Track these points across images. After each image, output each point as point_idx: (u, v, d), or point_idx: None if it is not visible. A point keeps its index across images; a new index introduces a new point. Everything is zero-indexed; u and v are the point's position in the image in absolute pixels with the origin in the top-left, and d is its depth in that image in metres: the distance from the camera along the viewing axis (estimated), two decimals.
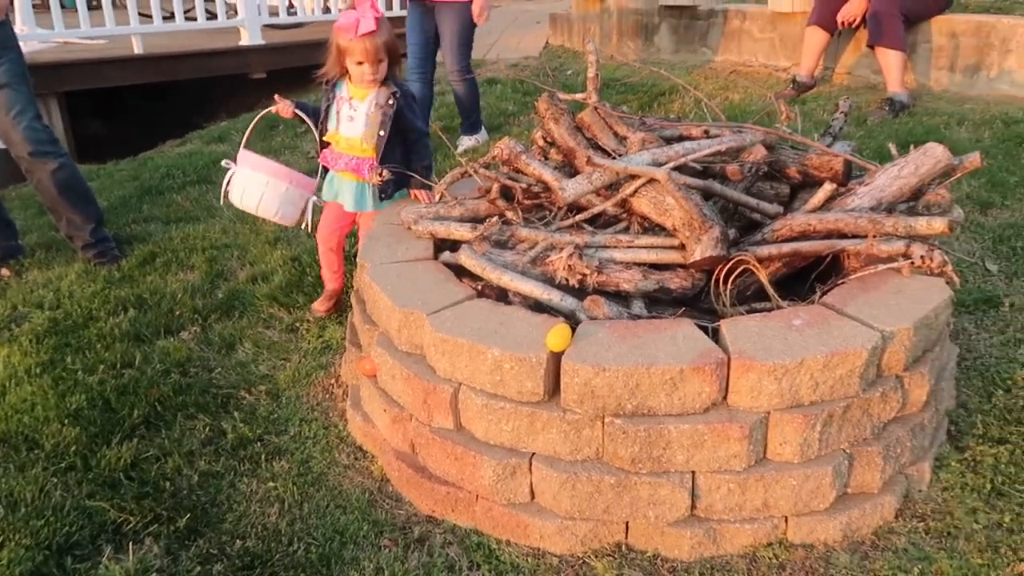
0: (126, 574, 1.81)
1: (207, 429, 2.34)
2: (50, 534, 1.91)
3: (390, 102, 2.60)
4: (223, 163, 2.78)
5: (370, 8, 2.47)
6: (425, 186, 2.68)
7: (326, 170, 2.76)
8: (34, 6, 6.03)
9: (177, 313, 3.00)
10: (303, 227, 2.79)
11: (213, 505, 2.06)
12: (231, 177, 2.73)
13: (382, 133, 2.60)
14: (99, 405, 2.42)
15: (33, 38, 6.05)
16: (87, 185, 3.53)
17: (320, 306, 2.94)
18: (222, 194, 2.78)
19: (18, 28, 5.77)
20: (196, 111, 6.86)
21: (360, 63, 2.51)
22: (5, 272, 3.46)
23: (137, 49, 6.34)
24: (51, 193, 3.34)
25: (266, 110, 2.73)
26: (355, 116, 2.61)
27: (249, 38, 6.96)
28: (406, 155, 2.70)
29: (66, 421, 2.33)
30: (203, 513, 2.02)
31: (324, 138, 2.68)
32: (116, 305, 3.07)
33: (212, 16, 6.93)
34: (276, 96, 2.70)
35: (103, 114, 7.51)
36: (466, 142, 4.79)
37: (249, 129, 2.79)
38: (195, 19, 6.74)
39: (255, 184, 2.68)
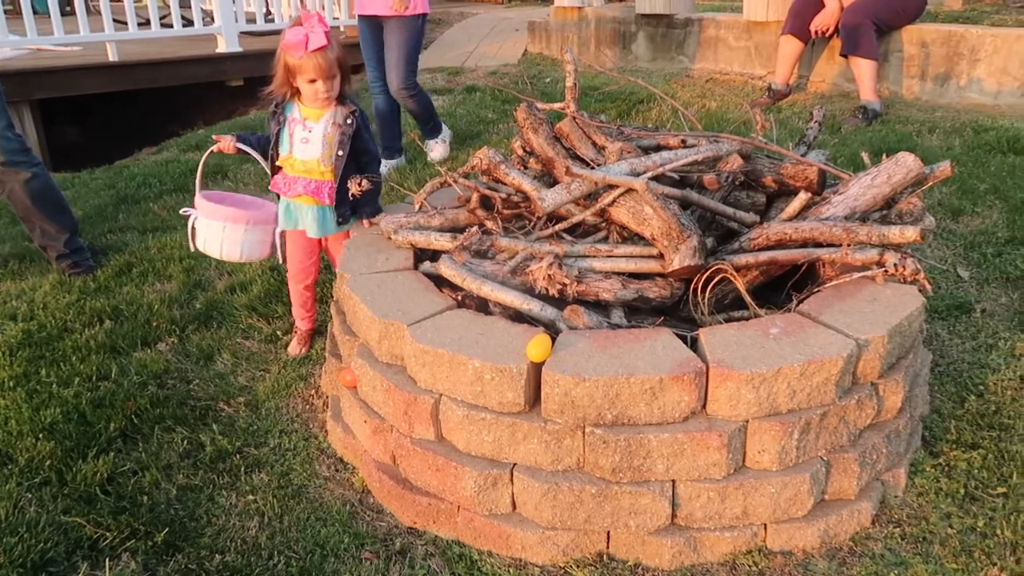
0: None
1: (185, 442, 2.32)
2: (24, 551, 1.88)
3: (348, 121, 2.47)
4: (182, 211, 2.74)
5: (318, 22, 2.32)
6: (377, 210, 2.61)
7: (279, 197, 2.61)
8: (5, 12, 5.95)
9: (154, 324, 2.97)
10: (279, 261, 2.70)
11: (192, 519, 2.04)
12: (192, 224, 2.66)
13: (340, 153, 2.47)
14: (74, 419, 2.39)
15: (5, 44, 5.98)
16: (61, 194, 3.49)
17: (295, 349, 2.78)
18: (189, 242, 2.70)
19: None
20: (173, 119, 6.80)
21: (313, 81, 2.36)
22: None
23: (112, 56, 6.28)
24: (24, 203, 3.29)
25: (208, 151, 2.66)
26: (310, 137, 2.46)
27: (226, 45, 6.93)
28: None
29: (40, 435, 2.30)
30: (181, 527, 2.00)
31: (277, 163, 2.53)
32: (91, 316, 3.03)
33: (188, 23, 6.89)
34: (214, 136, 2.62)
35: (78, 122, 7.42)
36: (434, 147, 4.76)
37: (199, 172, 2.71)
38: (171, 26, 6.69)
39: (213, 231, 2.61)
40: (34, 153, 3.39)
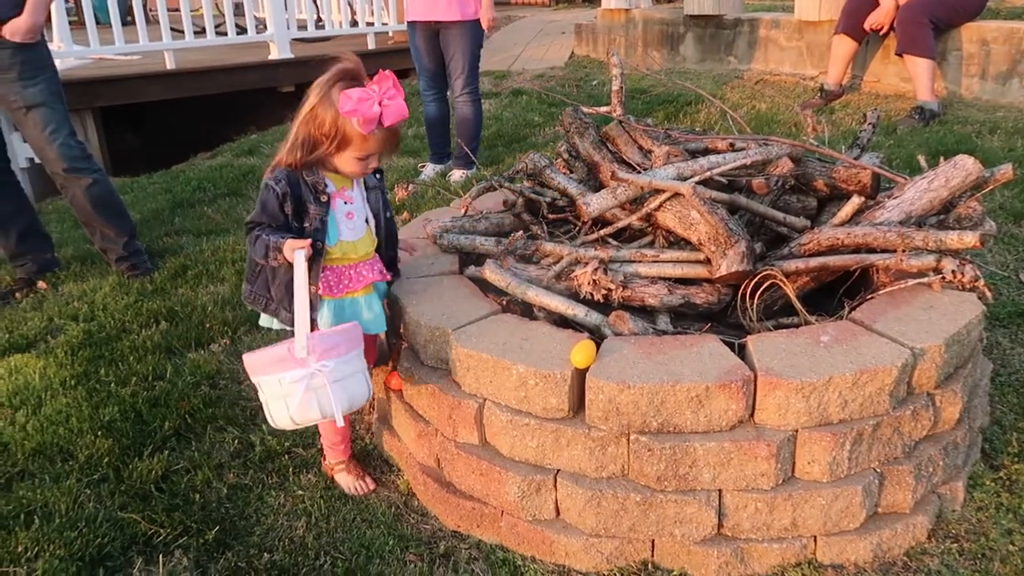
0: None
1: (236, 442, 2.37)
2: (83, 545, 1.95)
3: (379, 176, 2.05)
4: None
5: (393, 85, 1.79)
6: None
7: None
8: (70, 23, 6.18)
9: (207, 326, 3.04)
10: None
11: (241, 518, 2.08)
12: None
13: (389, 215, 2.08)
14: (131, 417, 2.46)
15: (69, 55, 6.20)
16: (120, 200, 3.60)
17: (359, 486, 2.17)
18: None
19: (55, 45, 5.92)
20: (228, 125, 6.97)
21: (365, 158, 1.88)
22: (42, 285, 3.54)
23: (169, 64, 6.46)
24: (85, 208, 3.41)
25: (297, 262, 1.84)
26: (354, 210, 1.97)
27: (278, 52, 7.07)
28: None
29: (99, 433, 2.38)
30: (232, 526, 2.05)
31: (323, 260, 1.92)
32: (148, 317, 3.12)
33: (242, 31, 7.06)
34: (291, 248, 1.81)
35: (137, 128, 7.66)
36: (457, 176, 4.53)
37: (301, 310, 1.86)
38: (225, 34, 6.86)
39: (272, 396, 1.86)
40: (95, 159, 3.51)
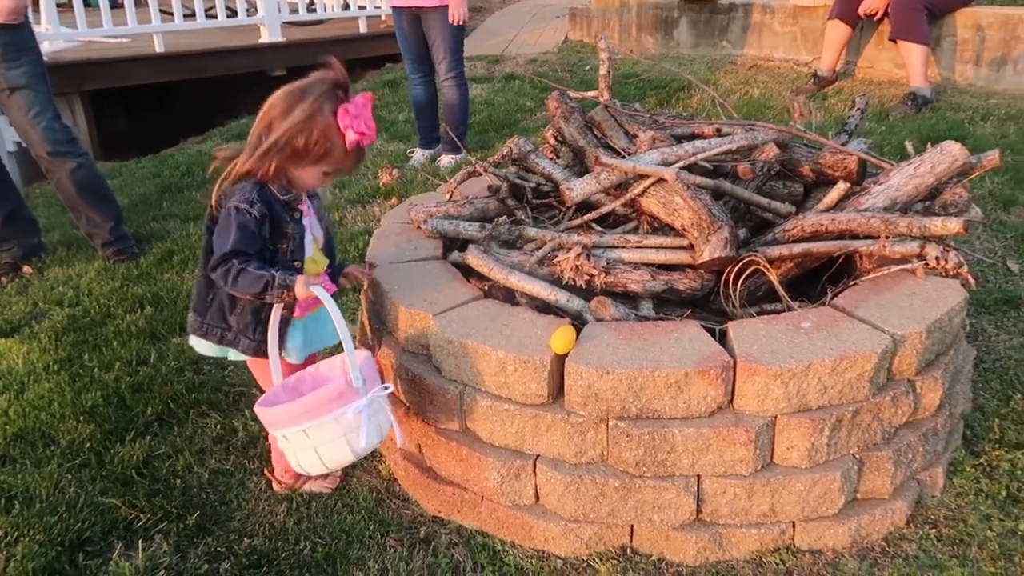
0: (136, 571, 1.83)
1: (218, 427, 2.36)
2: (63, 530, 1.94)
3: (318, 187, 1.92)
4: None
5: (370, 110, 1.75)
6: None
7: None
8: (58, 5, 6.12)
9: None
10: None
11: (222, 503, 2.07)
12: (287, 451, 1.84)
13: (326, 225, 1.97)
14: (114, 402, 2.45)
15: (57, 37, 6.14)
16: (106, 184, 3.58)
17: (324, 485, 2.12)
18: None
19: (43, 27, 5.86)
20: (218, 109, 6.92)
21: (333, 172, 1.79)
22: (27, 269, 3.52)
23: (159, 47, 6.41)
24: (70, 192, 3.39)
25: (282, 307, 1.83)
26: (309, 224, 1.87)
27: (269, 35, 7.01)
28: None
29: (82, 418, 2.37)
30: (212, 511, 2.04)
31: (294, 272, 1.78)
32: (133, 302, 3.11)
33: (232, 13, 7.00)
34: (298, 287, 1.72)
35: (127, 112, 7.60)
36: (445, 161, 4.54)
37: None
38: (215, 17, 6.80)
39: (327, 438, 1.76)
40: (80, 143, 3.48)
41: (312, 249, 1.87)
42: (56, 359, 2.70)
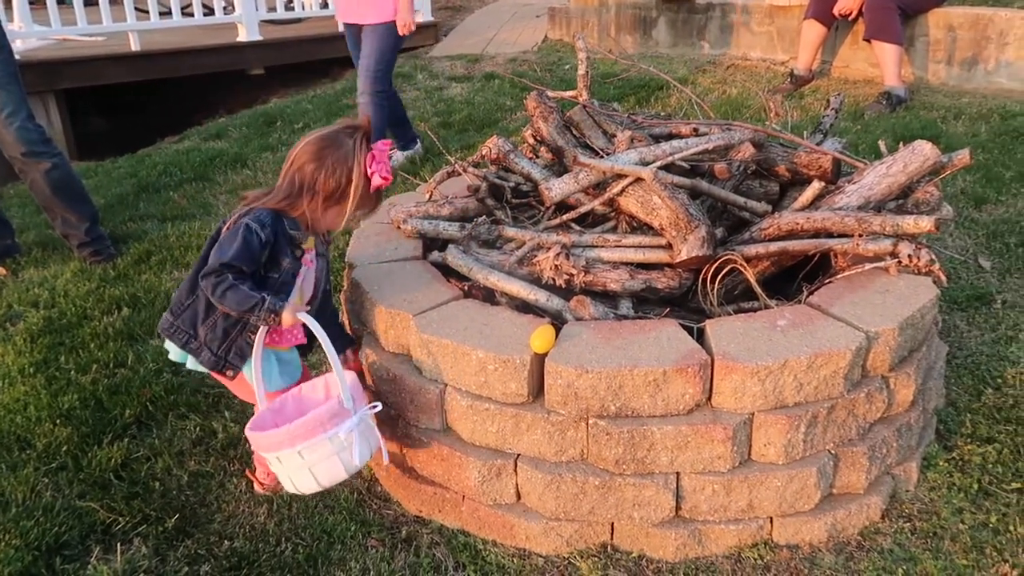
0: (115, 574, 1.82)
1: (198, 429, 2.35)
2: (40, 534, 1.92)
3: (326, 247, 2.02)
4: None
5: (388, 155, 1.87)
6: (350, 342, 2.15)
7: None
8: (31, 2, 6.03)
9: None
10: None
11: (202, 505, 2.07)
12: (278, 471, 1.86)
13: (326, 288, 2.05)
14: (91, 405, 2.43)
15: (31, 35, 6.05)
16: (81, 184, 3.54)
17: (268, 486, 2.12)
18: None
19: (15, 25, 5.78)
20: (196, 108, 6.86)
21: (355, 214, 1.87)
22: (2, 271, 3.48)
23: (134, 46, 6.33)
24: (45, 193, 3.35)
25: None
26: (307, 274, 1.93)
27: (247, 34, 6.96)
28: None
29: (58, 421, 2.35)
30: (192, 513, 2.03)
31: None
32: (110, 304, 3.08)
33: (209, 11, 6.93)
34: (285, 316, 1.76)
35: (104, 111, 7.52)
36: (398, 156, 4.60)
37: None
38: (192, 15, 6.73)
39: (320, 457, 1.79)
40: (55, 143, 3.44)
41: (295, 298, 1.87)
42: (32, 362, 2.67)
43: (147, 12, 6.45)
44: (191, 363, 1.92)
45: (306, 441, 1.75)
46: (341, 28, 4.61)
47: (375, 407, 1.86)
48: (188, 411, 2.42)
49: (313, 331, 1.76)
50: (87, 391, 2.49)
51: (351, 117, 1.76)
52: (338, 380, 1.80)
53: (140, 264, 3.45)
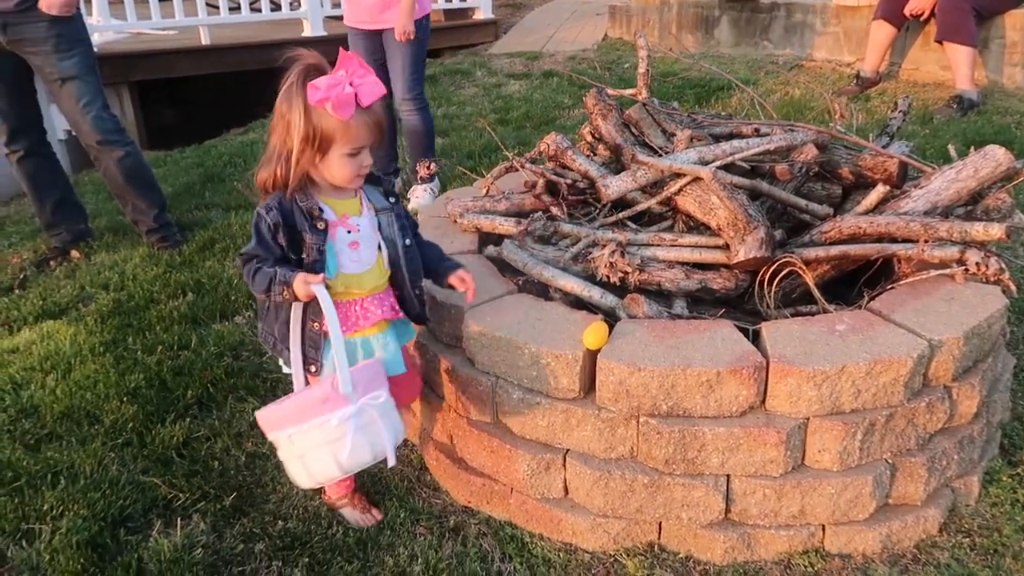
0: (174, 548, 1.89)
1: (255, 412, 2.41)
2: (106, 506, 2.01)
3: (392, 199, 1.83)
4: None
5: (360, 65, 1.61)
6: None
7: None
8: None
9: (232, 298, 3.10)
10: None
11: (258, 486, 2.13)
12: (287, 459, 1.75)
13: (408, 243, 1.82)
14: (156, 384, 2.52)
15: (107, 28, 6.29)
16: (151, 172, 3.67)
17: (365, 517, 2.00)
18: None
19: (94, 19, 6.01)
20: (260, 101, 7.02)
21: (356, 153, 1.65)
22: (75, 254, 3.63)
23: (205, 40, 6.53)
24: (117, 180, 3.48)
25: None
26: (360, 239, 1.74)
27: (311, 29, 7.10)
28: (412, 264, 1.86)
29: (125, 399, 2.44)
30: (248, 493, 2.10)
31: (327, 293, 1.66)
32: (176, 288, 3.18)
33: (276, 7, 7.09)
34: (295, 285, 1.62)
35: (175, 103, 7.76)
36: (420, 194, 3.98)
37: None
38: (260, 10, 6.90)
39: (311, 447, 1.68)
40: (127, 133, 3.57)
41: (359, 267, 1.74)
42: (101, 341, 2.79)
43: (217, 7, 6.65)
44: (284, 367, 1.81)
45: (295, 426, 1.64)
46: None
47: (378, 397, 1.66)
48: (247, 394, 2.49)
49: (323, 305, 1.61)
50: (152, 371, 2.59)
51: (298, 56, 1.63)
52: (338, 363, 1.62)
53: (204, 251, 3.56)
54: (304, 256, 1.69)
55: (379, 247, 1.78)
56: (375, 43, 3.95)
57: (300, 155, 1.62)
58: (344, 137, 1.61)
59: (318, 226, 1.68)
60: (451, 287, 1.92)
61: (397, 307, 1.84)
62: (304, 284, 1.61)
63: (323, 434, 1.64)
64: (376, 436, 1.66)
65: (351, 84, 1.58)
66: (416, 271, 1.84)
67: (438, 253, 1.97)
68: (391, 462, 1.69)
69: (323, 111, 1.59)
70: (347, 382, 1.62)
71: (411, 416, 2.25)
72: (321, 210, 1.69)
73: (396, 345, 1.83)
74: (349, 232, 1.73)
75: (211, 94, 7.74)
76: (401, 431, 1.75)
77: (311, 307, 1.69)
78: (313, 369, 1.74)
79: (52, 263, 3.55)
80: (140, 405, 2.41)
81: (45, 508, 2.01)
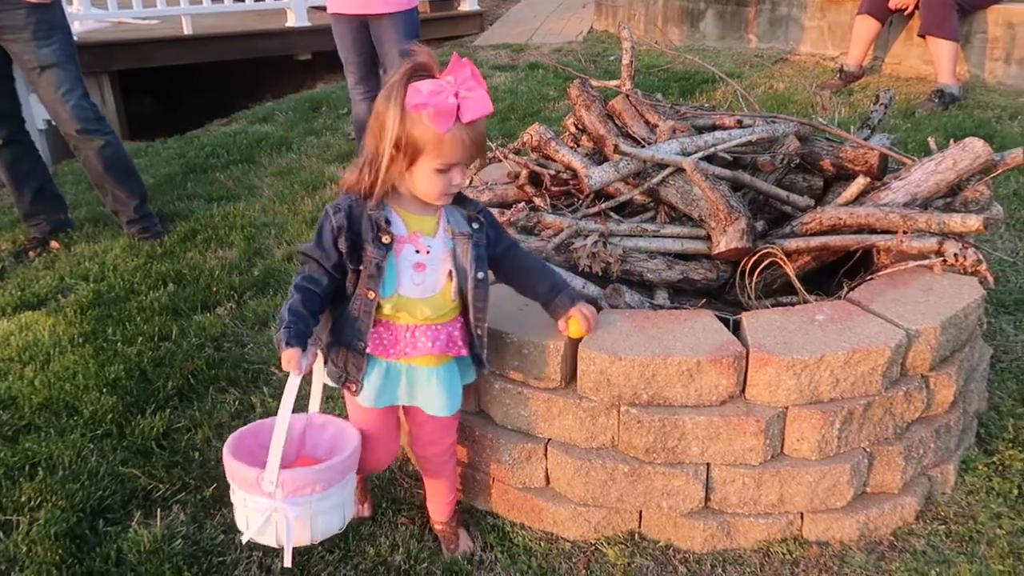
0: (154, 539, 1.88)
1: (237, 403, 2.40)
2: (85, 497, 1.99)
3: (476, 226, 1.63)
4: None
5: (471, 75, 1.44)
6: (591, 302, 1.86)
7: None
8: None
9: (214, 289, 3.08)
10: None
11: None
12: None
13: (481, 276, 1.62)
14: (136, 375, 2.50)
15: (88, 17, 6.22)
16: (132, 162, 3.63)
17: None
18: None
19: (74, 8, 5.94)
20: (244, 91, 6.98)
21: (446, 169, 1.49)
22: (55, 245, 3.59)
23: (187, 30, 6.47)
24: (97, 169, 3.45)
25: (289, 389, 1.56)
26: (427, 261, 1.58)
27: (295, 19, 7.05)
28: (522, 282, 1.77)
29: (104, 390, 2.42)
30: (228, 484, 2.08)
31: (374, 312, 1.58)
32: (157, 279, 3.16)
33: None
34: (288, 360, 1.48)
35: (156, 93, 7.69)
36: None
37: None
38: (243, 0, 6.84)
39: (237, 503, 1.65)
40: (108, 122, 3.53)
41: (422, 292, 1.58)
42: (81, 332, 2.76)
43: None
44: (326, 378, 1.70)
45: (234, 483, 1.62)
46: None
47: (288, 508, 1.55)
48: (228, 385, 2.48)
49: (285, 393, 1.51)
50: (132, 362, 2.57)
51: (412, 52, 1.48)
52: (271, 458, 1.52)
53: (186, 242, 3.53)
54: (362, 268, 1.55)
55: (450, 275, 1.61)
56: (361, 34, 3.86)
57: (391, 163, 1.48)
58: (435, 150, 1.45)
59: (382, 239, 1.53)
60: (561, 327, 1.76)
61: (461, 343, 1.65)
62: (287, 363, 1.47)
63: (242, 507, 1.62)
64: (283, 533, 1.58)
65: (456, 95, 1.43)
66: (482, 309, 1.65)
67: (551, 281, 1.75)
68: (286, 562, 1.57)
69: (419, 117, 1.44)
70: (271, 482, 1.53)
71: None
72: (389, 223, 1.54)
73: (448, 385, 1.66)
74: (417, 252, 1.57)
75: (193, 85, 7.68)
76: (339, 527, 1.67)
77: (359, 323, 1.58)
78: (353, 388, 1.65)
79: (31, 253, 3.51)
80: (120, 396, 2.39)
81: (23, 499, 1.99)
